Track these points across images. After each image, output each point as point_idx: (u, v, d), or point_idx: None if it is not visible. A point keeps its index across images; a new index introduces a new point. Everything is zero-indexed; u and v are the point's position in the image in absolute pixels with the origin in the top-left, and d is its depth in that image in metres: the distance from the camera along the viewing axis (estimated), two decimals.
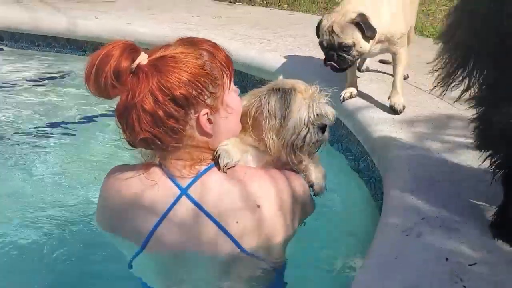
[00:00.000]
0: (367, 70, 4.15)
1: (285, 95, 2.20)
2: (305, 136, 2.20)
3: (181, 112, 1.99)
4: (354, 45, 3.20)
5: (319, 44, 3.36)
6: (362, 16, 3.15)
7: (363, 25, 3.14)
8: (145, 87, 1.94)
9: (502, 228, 2.10)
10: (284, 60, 4.50)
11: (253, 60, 4.59)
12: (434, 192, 2.41)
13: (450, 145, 2.88)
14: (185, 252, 2.10)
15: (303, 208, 2.24)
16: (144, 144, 2.06)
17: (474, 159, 2.67)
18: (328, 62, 3.32)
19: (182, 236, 2.08)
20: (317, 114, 2.21)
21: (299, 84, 2.26)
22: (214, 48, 2.08)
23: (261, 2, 7.21)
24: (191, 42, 2.07)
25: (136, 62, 1.96)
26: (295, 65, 4.36)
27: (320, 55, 4.55)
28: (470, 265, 1.93)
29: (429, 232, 2.11)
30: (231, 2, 7.18)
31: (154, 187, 2.08)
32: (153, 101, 1.95)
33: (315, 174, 2.33)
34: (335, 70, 3.34)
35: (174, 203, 2.06)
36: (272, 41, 5.05)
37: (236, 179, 2.11)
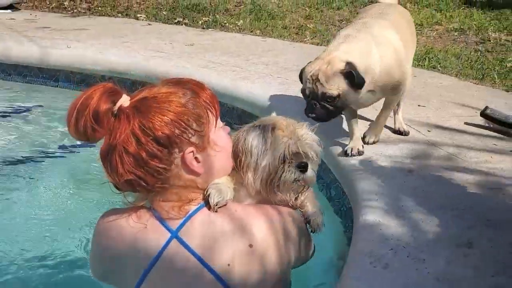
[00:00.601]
0: None
1: (263, 132, 2.19)
2: (281, 175, 2.18)
3: (164, 151, 1.98)
4: (339, 96, 2.96)
5: (301, 92, 3.15)
6: (350, 65, 2.94)
7: (354, 75, 2.92)
8: (126, 128, 1.95)
9: None
10: (257, 88, 4.56)
11: (226, 89, 4.64)
12: (403, 222, 2.47)
13: (420, 176, 2.94)
14: None
15: (299, 246, 2.22)
16: (129, 186, 2.05)
17: (444, 190, 2.76)
18: (310, 115, 3.03)
19: (173, 280, 2.06)
20: (295, 152, 2.19)
21: (282, 121, 2.25)
22: (198, 86, 2.09)
23: (233, 28, 7.28)
24: (175, 82, 2.08)
25: (118, 104, 1.97)
26: (267, 94, 4.42)
27: (293, 83, 4.67)
28: None
29: (395, 263, 2.16)
30: (203, 28, 7.25)
31: (145, 231, 2.07)
32: (135, 142, 1.95)
33: (311, 209, 2.31)
34: (317, 120, 3.00)
35: (164, 247, 2.05)
36: (245, 69, 5.12)
37: (227, 218, 2.09)
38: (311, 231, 2.32)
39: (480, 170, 3.03)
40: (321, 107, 3.00)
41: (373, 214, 2.52)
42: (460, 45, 6.64)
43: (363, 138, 3.33)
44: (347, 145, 3.29)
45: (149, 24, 7.41)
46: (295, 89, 4.45)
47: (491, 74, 5.31)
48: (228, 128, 2.21)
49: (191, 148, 2.02)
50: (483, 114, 3.77)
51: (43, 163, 4.04)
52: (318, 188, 3.45)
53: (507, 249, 2.28)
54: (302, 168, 2.21)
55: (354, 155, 3.19)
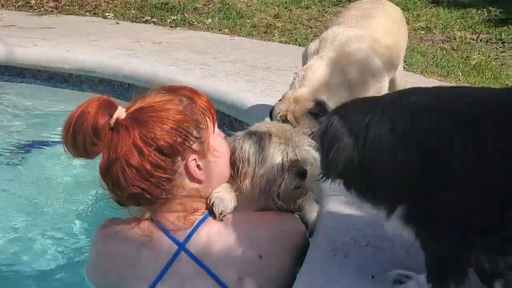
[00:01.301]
0: None
1: (259, 139, 2.16)
2: (281, 183, 2.16)
3: (168, 161, 1.95)
4: (313, 133, 2.73)
5: None
6: (319, 104, 2.81)
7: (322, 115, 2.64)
8: (127, 140, 1.90)
9: None
10: (224, 86, 4.58)
11: (193, 87, 4.60)
12: (364, 213, 2.50)
13: None
14: None
15: (302, 253, 2.20)
16: (133, 201, 2.01)
17: None
18: None
19: None
20: (294, 160, 2.17)
21: (277, 128, 2.24)
22: (193, 93, 2.06)
23: (202, 27, 7.29)
24: (169, 90, 2.05)
25: (114, 117, 1.93)
26: (234, 92, 4.44)
27: (260, 80, 4.71)
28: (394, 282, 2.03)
29: (356, 252, 2.20)
30: (172, 27, 7.26)
31: (150, 243, 2.02)
32: (137, 154, 1.91)
33: (310, 214, 2.32)
34: None
35: (172, 259, 2.01)
36: (212, 67, 5.14)
37: (234, 229, 2.07)
38: (309, 235, 2.32)
39: None
40: None
41: (336, 205, 2.54)
42: (427, 44, 6.75)
43: None
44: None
45: (117, 23, 7.40)
46: (261, 86, 4.51)
47: (456, 71, 5.41)
48: (223, 134, 2.19)
49: (193, 156, 2.00)
50: None
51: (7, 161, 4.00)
52: None
53: None
54: (302, 175, 2.20)
55: None
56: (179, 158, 1.98)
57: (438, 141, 1.67)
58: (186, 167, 2.01)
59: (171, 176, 1.98)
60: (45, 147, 4.15)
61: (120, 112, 1.95)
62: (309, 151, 2.23)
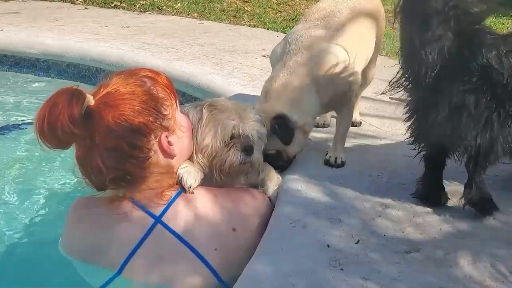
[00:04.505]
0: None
1: (201, 109, 2.23)
2: (226, 158, 2.22)
3: (143, 140, 2.01)
4: (280, 152, 2.70)
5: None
6: (279, 119, 2.62)
7: (279, 132, 2.62)
8: (102, 125, 1.94)
9: (426, 196, 2.45)
10: (191, 68, 4.62)
11: (160, 69, 4.62)
12: (323, 189, 2.58)
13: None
14: (161, 280, 2.08)
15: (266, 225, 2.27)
16: (114, 184, 2.06)
17: (360, 160, 2.89)
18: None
19: (159, 264, 2.06)
20: (240, 135, 2.23)
21: (227, 104, 2.29)
22: (153, 73, 2.11)
23: (171, 11, 7.30)
24: (129, 74, 2.09)
25: (85, 104, 1.94)
26: (201, 74, 4.48)
27: (226, 63, 4.76)
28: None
29: (314, 223, 2.28)
30: (141, 12, 7.25)
31: (126, 218, 2.07)
32: (114, 137, 1.95)
33: (272, 187, 2.39)
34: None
35: (148, 232, 2.06)
36: (180, 50, 5.17)
37: (208, 203, 2.14)
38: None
39: (402, 141, 3.17)
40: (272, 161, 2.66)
41: (296, 182, 2.62)
42: (394, 26, 6.81)
43: (328, 162, 2.86)
44: None
45: (86, 8, 7.38)
46: (228, 68, 4.57)
47: None
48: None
49: (164, 133, 2.06)
50: None
51: None
52: None
53: (419, 210, 2.43)
54: (247, 150, 2.26)
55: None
56: (153, 136, 2.04)
57: None
58: (160, 144, 2.07)
59: (148, 154, 2.04)
60: (10, 131, 4.15)
61: (90, 99, 1.97)
62: (255, 127, 2.29)
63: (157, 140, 2.06)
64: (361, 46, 3.04)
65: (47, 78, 5.27)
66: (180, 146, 2.15)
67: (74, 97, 1.91)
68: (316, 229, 2.24)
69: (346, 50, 2.85)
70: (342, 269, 1.99)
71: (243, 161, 2.26)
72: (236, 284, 1.93)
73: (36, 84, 5.14)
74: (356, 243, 2.16)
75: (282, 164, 2.73)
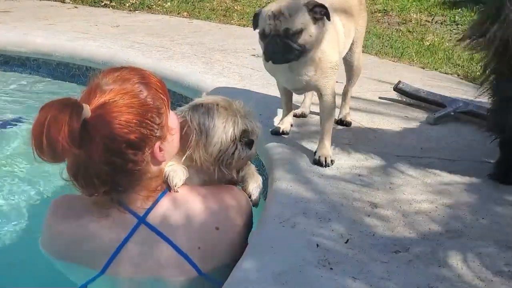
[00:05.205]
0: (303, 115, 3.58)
1: (208, 110, 2.21)
2: (233, 153, 2.23)
3: (138, 154, 1.98)
4: (302, 31, 2.65)
5: (259, 34, 2.77)
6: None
7: (314, 6, 2.65)
8: (98, 140, 1.90)
9: (504, 177, 2.75)
10: (181, 67, 4.61)
11: (150, 68, 4.62)
12: (312, 188, 2.59)
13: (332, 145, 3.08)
14: (145, 279, 2.08)
15: (249, 224, 2.29)
16: (104, 194, 2.03)
17: (350, 160, 2.90)
18: (271, 55, 2.72)
19: (143, 263, 2.06)
20: (243, 130, 2.24)
21: (222, 99, 2.29)
22: (146, 78, 2.03)
23: (160, 10, 7.29)
24: (122, 79, 2.00)
25: (82, 117, 1.87)
26: (191, 73, 4.47)
27: (216, 62, 4.75)
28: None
29: (303, 223, 2.29)
30: (130, 11, 7.24)
31: (110, 219, 2.06)
32: (109, 152, 1.92)
33: (252, 185, 2.37)
34: (277, 62, 2.75)
35: (132, 232, 2.05)
36: (170, 49, 5.16)
37: (192, 202, 2.13)
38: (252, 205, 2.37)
39: (391, 141, 3.19)
40: (284, 45, 2.66)
41: (286, 182, 2.63)
42: (383, 26, 6.85)
43: (317, 161, 2.87)
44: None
45: (76, 7, 7.36)
46: (218, 68, 4.56)
47: (410, 52, 5.53)
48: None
49: (158, 143, 2.04)
50: (396, 88, 3.95)
51: None
52: None
53: (409, 209, 2.44)
54: (250, 144, 2.28)
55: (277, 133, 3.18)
56: (147, 148, 2.02)
57: None
58: (152, 154, 2.05)
59: (140, 166, 2.02)
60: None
61: (86, 111, 1.90)
62: (255, 122, 2.31)
63: (150, 151, 2.03)
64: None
65: (37, 77, 5.24)
66: (169, 149, 2.13)
67: (74, 112, 1.85)
68: (305, 228, 2.25)
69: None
70: (331, 269, 2.00)
71: (246, 155, 2.28)
72: (225, 284, 1.93)
73: (26, 83, 5.12)
74: (346, 242, 2.17)
75: (295, 47, 2.66)
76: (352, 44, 3.31)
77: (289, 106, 3.25)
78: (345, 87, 3.51)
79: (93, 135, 1.89)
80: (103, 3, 7.57)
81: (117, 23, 6.27)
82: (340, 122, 3.43)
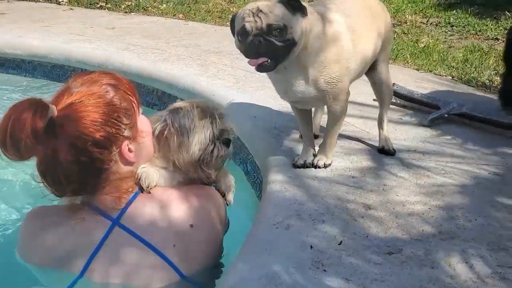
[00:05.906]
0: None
1: (187, 112, 2.27)
2: (212, 151, 2.28)
3: (105, 152, 2.01)
4: (286, 27, 2.44)
5: (238, 34, 2.52)
6: None
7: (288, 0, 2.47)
8: (64, 139, 1.94)
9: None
10: (177, 70, 4.61)
11: (146, 71, 4.66)
12: (307, 190, 2.60)
13: None
14: (123, 278, 2.08)
15: (225, 222, 2.33)
16: (73, 193, 2.08)
17: (344, 162, 2.91)
18: (255, 55, 2.48)
19: (120, 265, 2.07)
20: (221, 129, 2.31)
21: (199, 101, 2.36)
22: (115, 79, 2.10)
23: (156, 12, 7.29)
24: (92, 80, 2.06)
25: (47, 117, 1.91)
26: (186, 75, 4.47)
27: (211, 64, 4.76)
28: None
29: (297, 224, 2.30)
30: (126, 12, 7.24)
31: (84, 223, 2.08)
32: (75, 151, 1.95)
33: (225, 184, 2.41)
34: (261, 68, 2.50)
35: (106, 235, 2.06)
36: (165, 51, 5.17)
37: (165, 201, 2.15)
38: (226, 204, 2.41)
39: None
40: (267, 43, 2.44)
41: (279, 184, 2.64)
42: None
43: (312, 164, 2.83)
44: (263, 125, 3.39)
45: (71, 9, 7.36)
46: (213, 70, 4.57)
47: (404, 54, 5.54)
48: (140, 110, 2.23)
49: (126, 142, 2.07)
50: None
51: None
52: (236, 164, 3.56)
53: (402, 211, 2.46)
54: (228, 143, 2.34)
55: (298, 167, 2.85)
56: (114, 147, 2.05)
57: None
58: (121, 154, 2.08)
59: (108, 166, 2.06)
60: None
61: (53, 111, 1.95)
62: (229, 122, 2.38)
63: (118, 150, 2.07)
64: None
65: (33, 79, 5.25)
66: (140, 151, 2.16)
67: (38, 111, 1.89)
68: (299, 230, 2.26)
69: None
70: (324, 270, 2.01)
71: (224, 153, 2.33)
72: (218, 286, 1.94)
73: (21, 85, 5.12)
74: (339, 244, 2.18)
75: (281, 45, 2.45)
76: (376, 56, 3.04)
77: (306, 131, 2.93)
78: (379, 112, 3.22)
79: (59, 133, 1.94)
80: (98, 5, 7.58)
81: (113, 25, 6.28)
82: (382, 150, 3.07)
